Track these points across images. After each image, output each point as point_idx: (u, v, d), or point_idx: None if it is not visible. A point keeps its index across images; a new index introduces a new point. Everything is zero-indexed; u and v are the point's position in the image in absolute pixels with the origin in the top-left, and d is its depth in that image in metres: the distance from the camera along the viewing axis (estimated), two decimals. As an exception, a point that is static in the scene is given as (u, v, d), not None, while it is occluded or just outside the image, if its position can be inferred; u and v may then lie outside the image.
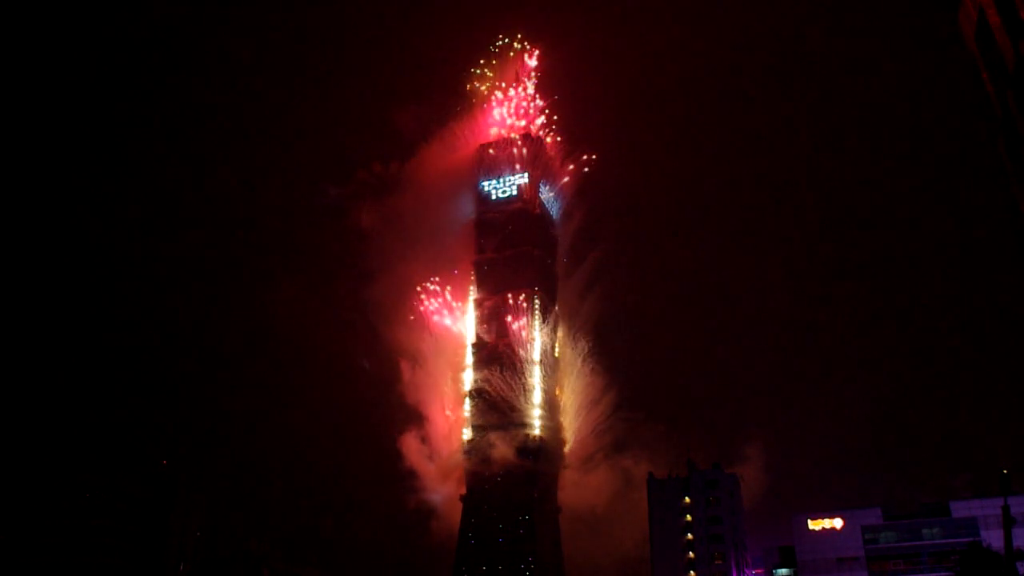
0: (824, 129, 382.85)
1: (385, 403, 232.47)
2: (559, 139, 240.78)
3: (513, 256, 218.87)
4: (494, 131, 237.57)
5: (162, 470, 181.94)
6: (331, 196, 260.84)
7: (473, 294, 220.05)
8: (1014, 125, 47.06)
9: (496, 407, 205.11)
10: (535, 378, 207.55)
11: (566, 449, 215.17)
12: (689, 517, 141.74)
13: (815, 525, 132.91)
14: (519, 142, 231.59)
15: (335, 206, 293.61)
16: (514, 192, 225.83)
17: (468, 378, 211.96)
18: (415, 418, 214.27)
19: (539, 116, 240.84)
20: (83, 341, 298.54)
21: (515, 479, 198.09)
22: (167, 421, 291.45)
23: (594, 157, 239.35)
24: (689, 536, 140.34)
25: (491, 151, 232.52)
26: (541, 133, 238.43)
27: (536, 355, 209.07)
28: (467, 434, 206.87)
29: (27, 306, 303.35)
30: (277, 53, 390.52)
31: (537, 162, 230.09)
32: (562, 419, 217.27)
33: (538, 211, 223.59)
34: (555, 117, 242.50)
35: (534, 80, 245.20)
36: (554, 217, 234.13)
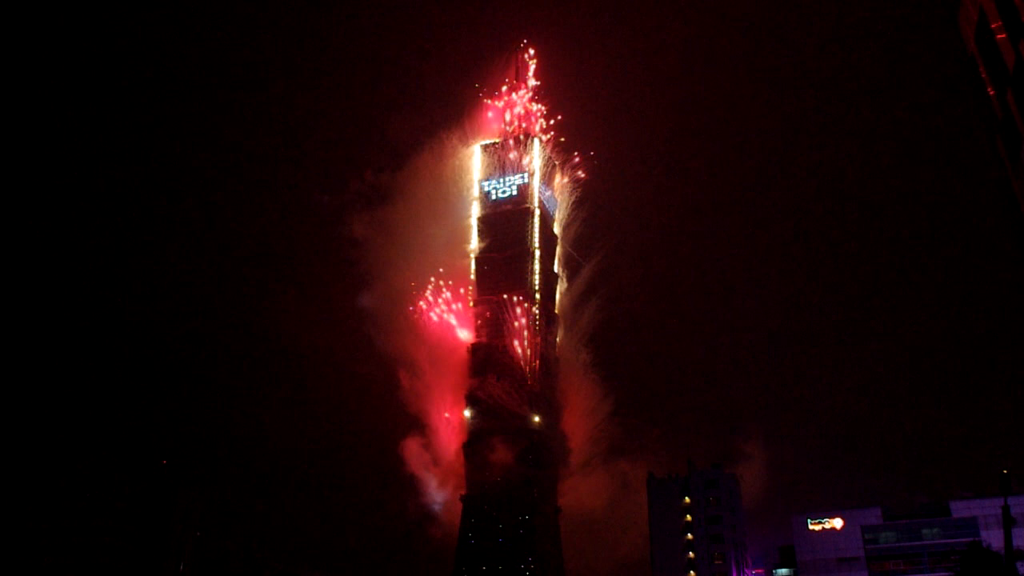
0: (823, 129, 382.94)
1: (385, 408, 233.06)
2: (559, 139, 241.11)
3: (513, 256, 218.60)
4: (494, 131, 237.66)
5: (162, 470, 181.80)
6: (327, 204, 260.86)
7: (472, 295, 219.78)
8: (1014, 125, 47.04)
9: (495, 408, 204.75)
10: (535, 378, 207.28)
11: (566, 449, 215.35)
12: (689, 517, 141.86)
13: (815, 525, 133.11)
14: (519, 142, 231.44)
15: (331, 214, 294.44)
16: (514, 192, 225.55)
17: (467, 380, 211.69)
18: (415, 423, 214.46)
19: (539, 116, 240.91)
20: (84, 342, 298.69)
21: (515, 480, 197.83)
22: (167, 421, 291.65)
23: (592, 156, 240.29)
24: (689, 536, 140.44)
25: (491, 151, 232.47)
26: (541, 133, 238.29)
27: (536, 355, 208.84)
28: (467, 436, 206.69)
29: (29, 307, 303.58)
30: (272, 61, 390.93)
31: (537, 162, 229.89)
32: (562, 421, 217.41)
33: (538, 210, 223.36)
34: (555, 118, 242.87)
35: (534, 80, 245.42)
36: (554, 217, 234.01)
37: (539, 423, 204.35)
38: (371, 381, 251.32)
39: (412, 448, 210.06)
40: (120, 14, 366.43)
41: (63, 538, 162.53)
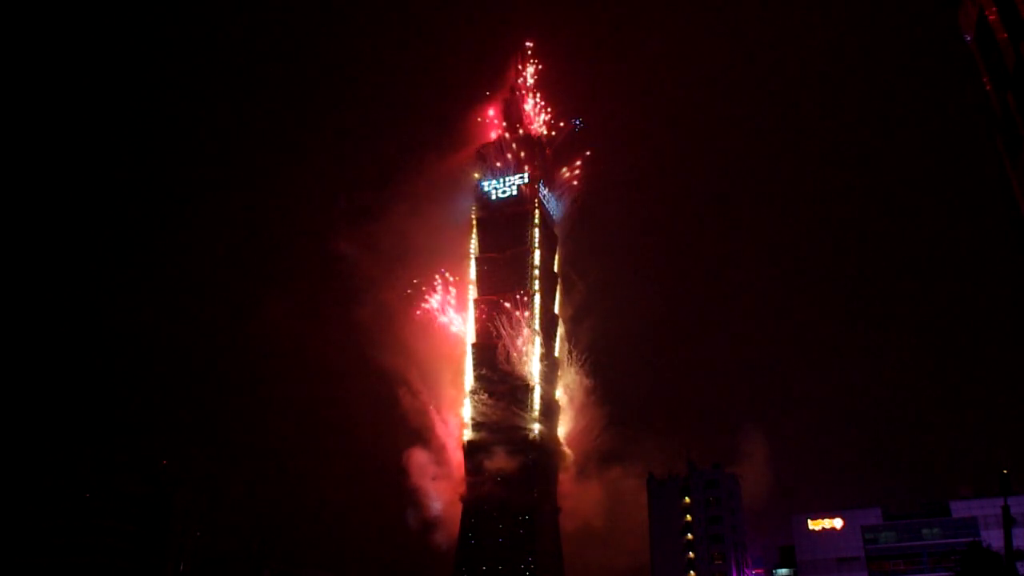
0: (823, 129, 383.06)
1: (386, 417, 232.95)
2: (559, 139, 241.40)
3: (513, 256, 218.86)
4: (495, 132, 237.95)
5: (162, 470, 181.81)
6: (324, 218, 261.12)
7: (473, 294, 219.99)
8: (1014, 125, 47.07)
9: (496, 407, 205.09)
10: (535, 378, 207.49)
11: (565, 450, 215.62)
12: (689, 517, 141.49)
13: (815, 525, 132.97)
14: (519, 143, 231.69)
15: (329, 226, 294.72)
16: (514, 192, 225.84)
17: (468, 379, 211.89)
18: (416, 433, 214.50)
19: (539, 116, 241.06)
20: (85, 343, 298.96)
21: (514, 479, 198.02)
22: (167, 421, 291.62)
23: (592, 155, 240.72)
24: (689, 536, 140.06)
25: (491, 152, 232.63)
26: (541, 134, 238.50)
27: (536, 356, 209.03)
28: (467, 434, 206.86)
29: (30, 309, 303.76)
30: (270, 74, 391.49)
31: (537, 162, 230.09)
32: (561, 420, 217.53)
33: (538, 211, 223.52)
34: (556, 118, 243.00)
35: (535, 80, 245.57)
36: (554, 217, 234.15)
37: (539, 420, 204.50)
38: (371, 394, 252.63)
39: (416, 459, 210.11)
40: (118, 36, 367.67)
41: (63, 538, 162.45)
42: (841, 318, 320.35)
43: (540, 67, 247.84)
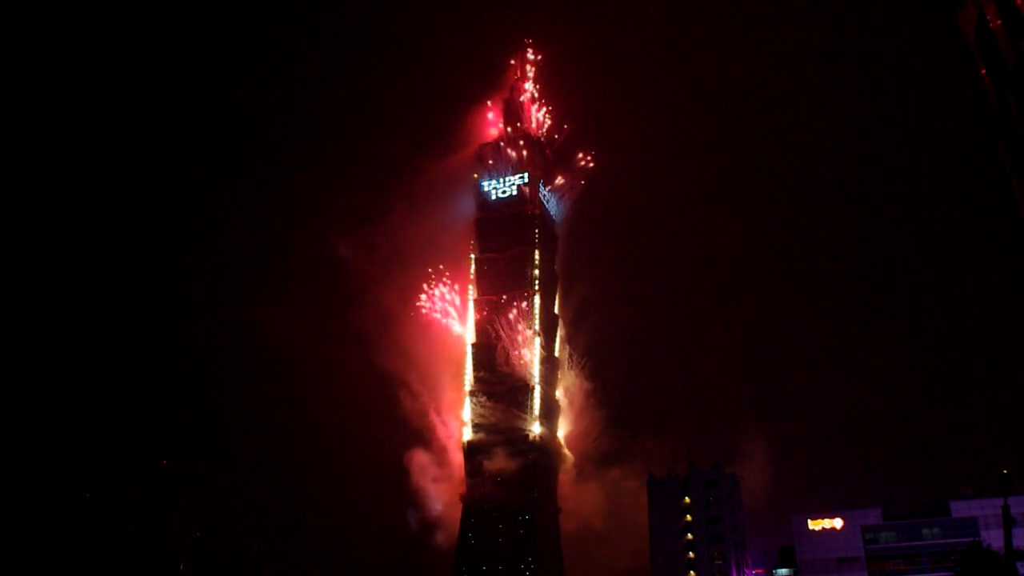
0: (823, 129, 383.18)
1: (386, 418, 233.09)
2: (560, 139, 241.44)
3: (513, 256, 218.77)
4: (495, 132, 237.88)
5: (162, 470, 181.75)
6: (325, 220, 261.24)
7: (473, 294, 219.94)
8: (1014, 125, 47.11)
9: (496, 407, 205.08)
10: (535, 379, 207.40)
11: (565, 451, 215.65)
12: (689, 517, 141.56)
13: (815, 525, 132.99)
14: (519, 143, 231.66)
15: (330, 229, 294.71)
16: (514, 192, 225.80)
17: (468, 379, 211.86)
18: (417, 435, 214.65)
19: (539, 116, 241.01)
20: (86, 344, 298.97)
21: (514, 480, 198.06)
22: (167, 421, 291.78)
23: (593, 156, 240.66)
24: (689, 536, 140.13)
25: (491, 152, 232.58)
26: (541, 134, 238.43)
27: (536, 356, 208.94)
28: (467, 434, 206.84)
29: (31, 310, 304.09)
30: (270, 76, 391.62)
31: (537, 162, 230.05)
32: (561, 421, 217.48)
33: (538, 211, 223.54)
34: (556, 118, 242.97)
35: (534, 78, 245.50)
36: (554, 217, 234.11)
37: (539, 420, 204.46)
38: (372, 396, 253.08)
39: (417, 460, 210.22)
40: (121, 39, 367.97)
41: (63, 538, 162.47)
42: (841, 318, 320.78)
43: (540, 65, 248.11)
